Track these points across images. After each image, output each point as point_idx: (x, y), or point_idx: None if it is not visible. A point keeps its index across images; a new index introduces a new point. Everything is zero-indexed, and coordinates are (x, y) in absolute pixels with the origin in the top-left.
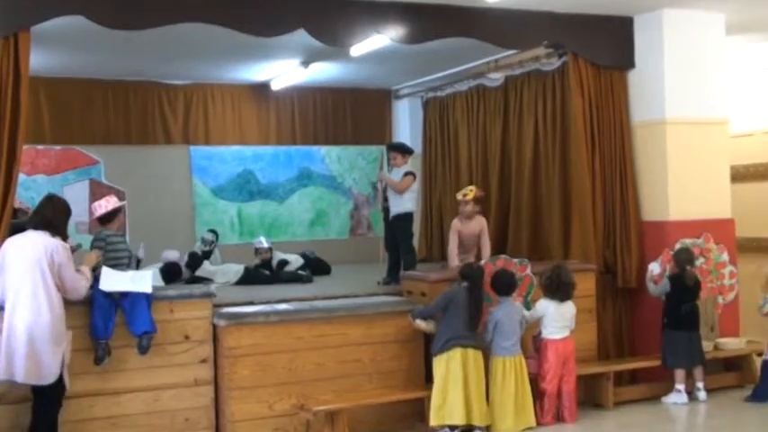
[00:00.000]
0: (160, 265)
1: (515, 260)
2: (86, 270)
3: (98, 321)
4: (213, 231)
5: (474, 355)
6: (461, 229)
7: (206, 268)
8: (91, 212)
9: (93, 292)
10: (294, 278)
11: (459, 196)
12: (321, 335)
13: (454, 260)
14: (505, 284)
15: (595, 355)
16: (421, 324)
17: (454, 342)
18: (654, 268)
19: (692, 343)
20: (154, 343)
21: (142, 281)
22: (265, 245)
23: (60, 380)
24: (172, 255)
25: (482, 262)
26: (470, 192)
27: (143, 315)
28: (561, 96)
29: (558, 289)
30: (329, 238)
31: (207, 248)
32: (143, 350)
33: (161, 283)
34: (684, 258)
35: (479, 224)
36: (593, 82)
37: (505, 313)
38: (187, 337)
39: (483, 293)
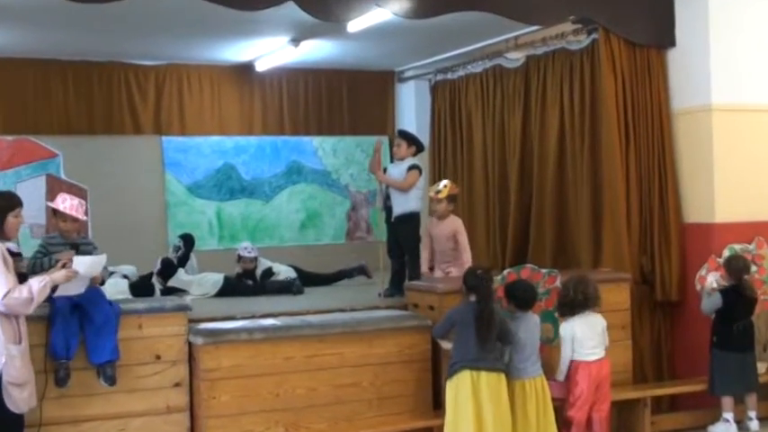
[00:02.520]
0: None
1: (543, 271)
2: (37, 283)
3: (58, 339)
4: (185, 237)
5: (488, 379)
6: (431, 230)
7: (180, 278)
8: (50, 212)
9: (54, 304)
10: (282, 288)
11: (431, 193)
12: (313, 355)
13: (425, 264)
14: (525, 297)
15: (630, 379)
16: (445, 344)
17: (462, 364)
18: (714, 280)
19: (745, 365)
20: (120, 364)
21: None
22: (251, 254)
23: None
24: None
25: (461, 270)
26: (444, 189)
27: (108, 340)
28: (590, 79)
29: (581, 304)
30: (323, 243)
31: (176, 255)
32: (109, 380)
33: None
34: (740, 266)
35: (452, 226)
36: (628, 63)
37: (523, 329)
38: (158, 358)
39: (494, 304)
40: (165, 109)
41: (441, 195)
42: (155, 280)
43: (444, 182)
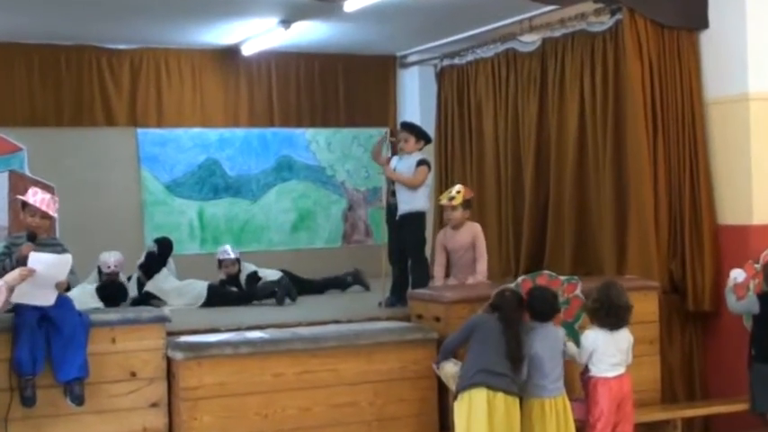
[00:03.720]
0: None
1: (561, 278)
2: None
3: (23, 353)
4: (161, 241)
5: (506, 403)
6: (446, 242)
7: (159, 285)
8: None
9: (20, 315)
10: (273, 291)
11: (444, 200)
12: (306, 371)
13: (439, 281)
14: (544, 307)
15: (658, 398)
16: (448, 368)
17: (481, 379)
18: (737, 275)
19: None
20: (90, 381)
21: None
22: (231, 255)
23: None
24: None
25: (475, 279)
26: (458, 195)
27: (76, 356)
28: (614, 65)
29: (609, 314)
30: (316, 247)
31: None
32: (77, 400)
33: (98, 304)
34: None
35: (470, 233)
36: (655, 46)
37: (543, 343)
38: (134, 375)
39: (522, 327)
40: (141, 98)
41: (455, 202)
42: (134, 276)
43: (457, 187)
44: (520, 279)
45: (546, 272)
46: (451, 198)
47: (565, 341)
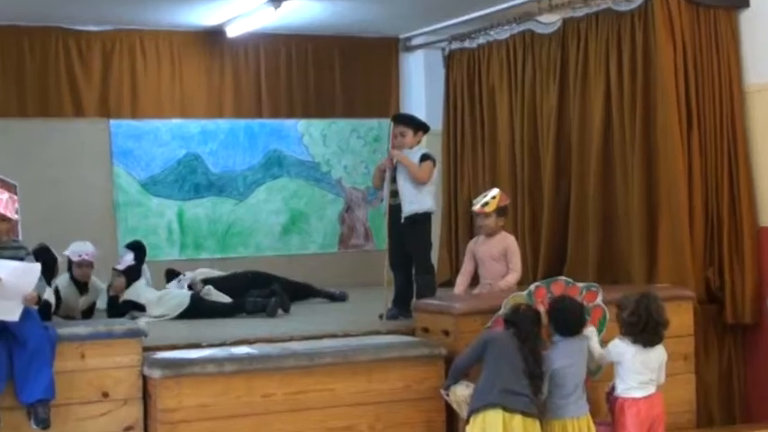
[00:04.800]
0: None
1: (580, 285)
2: None
3: None
4: (134, 246)
5: (524, 425)
6: (476, 250)
7: (139, 291)
8: None
9: None
10: (262, 308)
11: (476, 206)
12: (299, 391)
13: (458, 289)
14: (572, 320)
15: (693, 421)
16: (459, 391)
17: (496, 399)
18: None
19: None
20: (57, 403)
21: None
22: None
23: None
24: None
25: (505, 282)
26: (492, 200)
27: (41, 375)
28: (643, 48)
29: (646, 330)
30: (310, 253)
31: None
32: (42, 423)
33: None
34: None
35: (502, 244)
36: (690, 27)
37: (567, 359)
38: (106, 395)
39: (540, 343)
40: (114, 86)
41: (488, 209)
42: (111, 285)
43: (492, 192)
44: (533, 286)
45: (562, 278)
46: (485, 204)
47: (589, 345)
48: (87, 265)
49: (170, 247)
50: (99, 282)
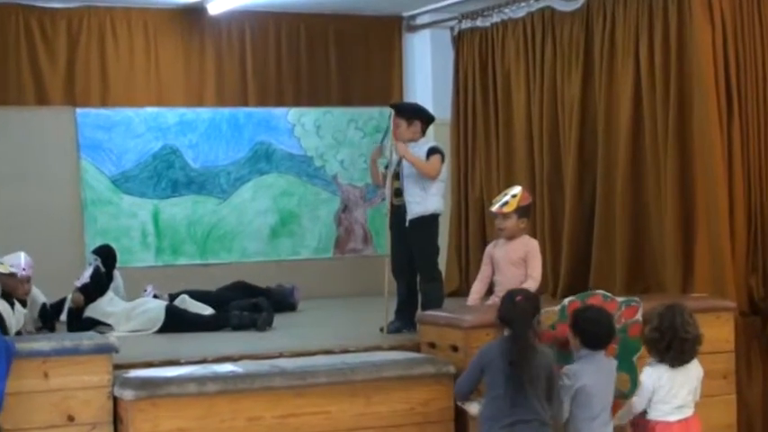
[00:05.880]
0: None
1: (619, 299)
2: None
3: None
4: (102, 251)
5: None
6: (494, 253)
7: (103, 307)
8: None
9: None
10: (251, 319)
11: (494, 207)
12: (289, 414)
13: (474, 299)
14: (595, 330)
15: None
16: (473, 411)
17: (495, 428)
18: None
19: None
20: (16, 427)
21: None
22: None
23: None
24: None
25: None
26: (513, 199)
27: None
28: (677, 29)
29: (672, 347)
30: (302, 259)
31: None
32: None
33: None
34: None
35: (523, 248)
36: (730, 6)
37: (595, 376)
38: (71, 419)
39: (529, 337)
40: (81, 70)
41: (507, 209)
42: (70, 299)
43: (514, 190)
44: (566, 301)
45: (599, 292)
46: (504, 204)
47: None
48: (28, 280)
49: (144, 251)
50: (39, 293)
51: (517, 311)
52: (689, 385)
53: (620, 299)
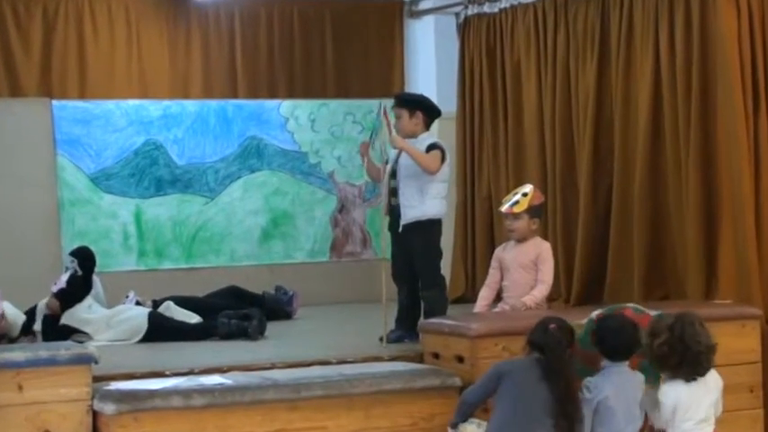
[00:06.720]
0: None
1: (652, 313)
2: None
3: None
4: (79, 253)
5: None
6: (504, 256)
7: (80, 314)
8: None
9: None
10: (236, 330)
11: (504, 207)
12: (282, 429)
13: (481, 305)
14: (622, 341)
15: None
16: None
17: None
18: None
19: None
20: None
21: None
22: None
23: None
24: None
25: (530, 298)
26: (523, 199)
27: None
28: (700, 15)
29: (684, 362)
30: (296, 263)
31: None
32: None
33: None
34: None
35: (535, 250)
36: None
37: (618, 390)
38: None
39: (572, 371)
40: (58, 60)
41: (517, 209)
42: (42, 305)
43: (525, 188)
44: (594, 314)
45: (630, 305)
46: (514, 204)
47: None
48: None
49: (125, 254)
50: (17, 314)
51: (550, 340)
52: (710, 397)
53: (652, 312)
